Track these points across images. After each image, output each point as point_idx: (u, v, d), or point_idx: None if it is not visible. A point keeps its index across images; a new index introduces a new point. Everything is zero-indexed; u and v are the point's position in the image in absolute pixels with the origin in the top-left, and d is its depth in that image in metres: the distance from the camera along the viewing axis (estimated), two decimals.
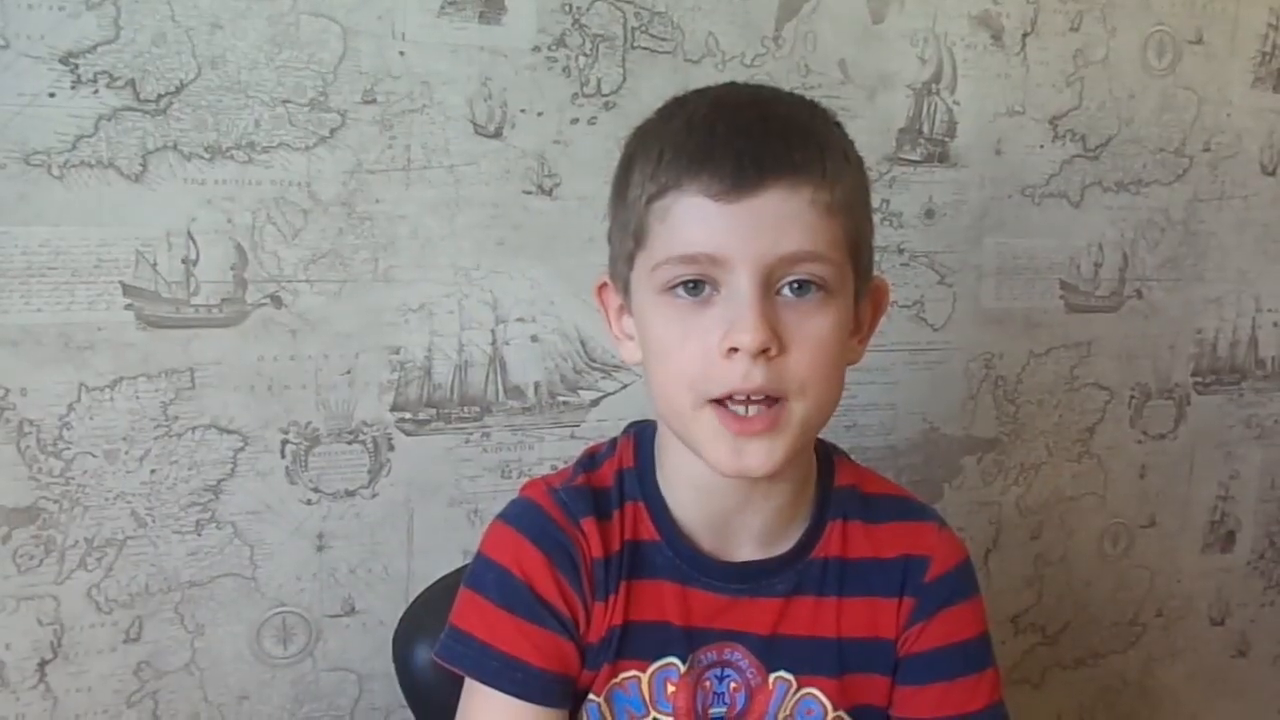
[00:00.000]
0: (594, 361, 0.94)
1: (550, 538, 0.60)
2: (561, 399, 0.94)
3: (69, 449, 0.82)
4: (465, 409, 0.91)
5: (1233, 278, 1.19)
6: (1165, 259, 1.16)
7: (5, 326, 0.79)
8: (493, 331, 0.91)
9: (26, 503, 0.81)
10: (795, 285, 0.55)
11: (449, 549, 0.90)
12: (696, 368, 0.55)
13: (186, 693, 0.87)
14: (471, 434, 0.92)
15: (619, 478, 0.63)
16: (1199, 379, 1.20)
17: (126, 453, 0.83)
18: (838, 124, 0.60)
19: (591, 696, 0.60)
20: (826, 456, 0.66)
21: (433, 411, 0.90)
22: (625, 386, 0.95)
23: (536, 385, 0.93)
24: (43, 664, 0.83)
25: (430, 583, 0.82)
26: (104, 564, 0.84)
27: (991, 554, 1.12)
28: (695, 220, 0.54)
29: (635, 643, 0.60)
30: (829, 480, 0.65)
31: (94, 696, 0.85)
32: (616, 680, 0.60)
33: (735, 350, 0.54)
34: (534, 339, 0.92)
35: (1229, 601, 1.27)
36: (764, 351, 0.53)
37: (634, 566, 0.61)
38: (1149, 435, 1.18)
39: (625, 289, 0.61)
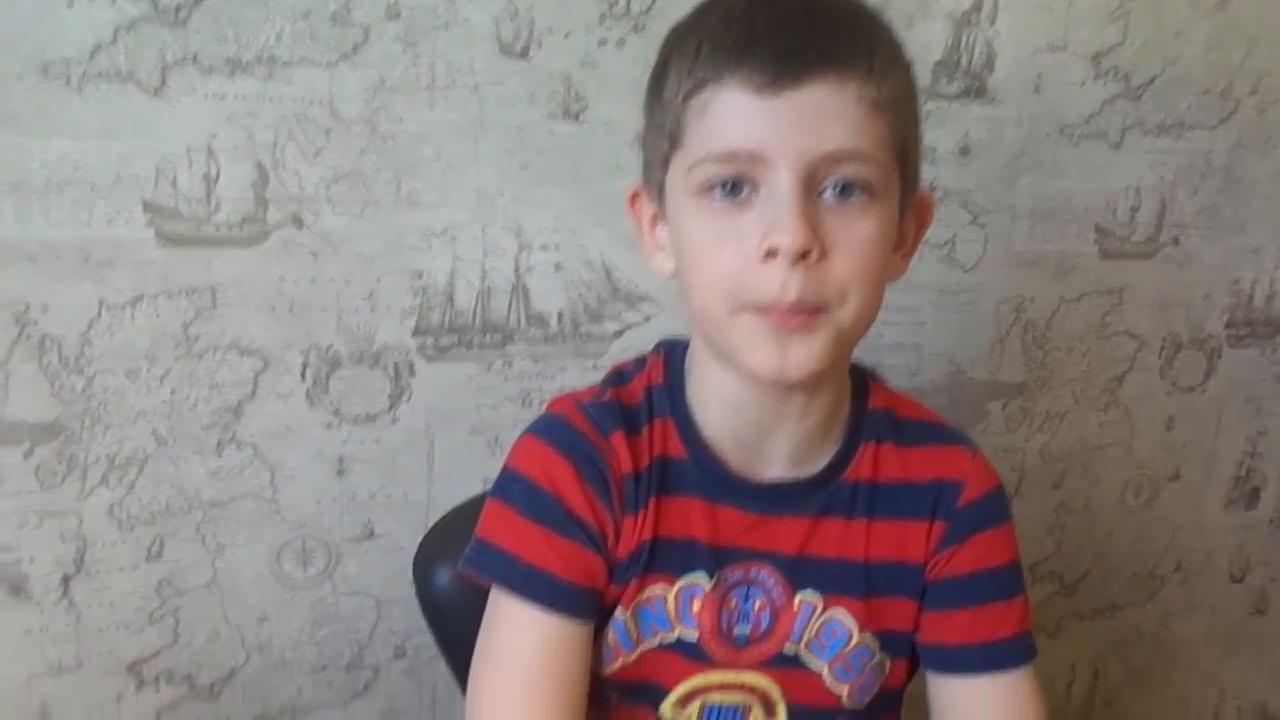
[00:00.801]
0: (618, 292, 0.93)
1: (580, 451, 0.59)
2: (584, 329, 0.93)
3: (90, 366, 0.81)
4: (487, 336, 0.90)
5: (1273, 228, 1.16)
6: (1204, 206, 1.12)
7: (25, 241, 0.78)
8: (516, 259, 0.90)
9: (49, 419, 0.81)
10: (839, 188, 0.53)
11: (469, 476, 0.90)
12: (733, 273, 0.53)
13: (207, 611, 0.88)
14: (493, 361, 0.91)
15: (648, 394, 0.62)
16: (1232, 331, 1.17)
17: (147, 371, 0.83)
18: (886, 23, 0.58)
19: (618, 611, 0.60)
20: (861, 379, 0.65)
21: (454, 337, 0.89)
22: (649, 319, 0.93)
23: (559, 314, 0.92)
24: (66, 579, 0.84)
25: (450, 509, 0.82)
26: (125, 482, 0.84)
27: (1013, 501, 1.11)
28: (734, 115, 0.52)
29: (663, 558, 0.60)
30: (863, 403, 0.64)
31: (116, 612, 0.85)
32: (643, 596, 0.60)
33: (774, 254, 0.52)
34: (557, 267, 0.91)
35: (1250, 558, 1.25)
36: (804, 256, 0.52)
37: (663, 483, 0.60)
38: (1178, 387, 1.16)
39: (659, 195, 0.59)
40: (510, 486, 0.60)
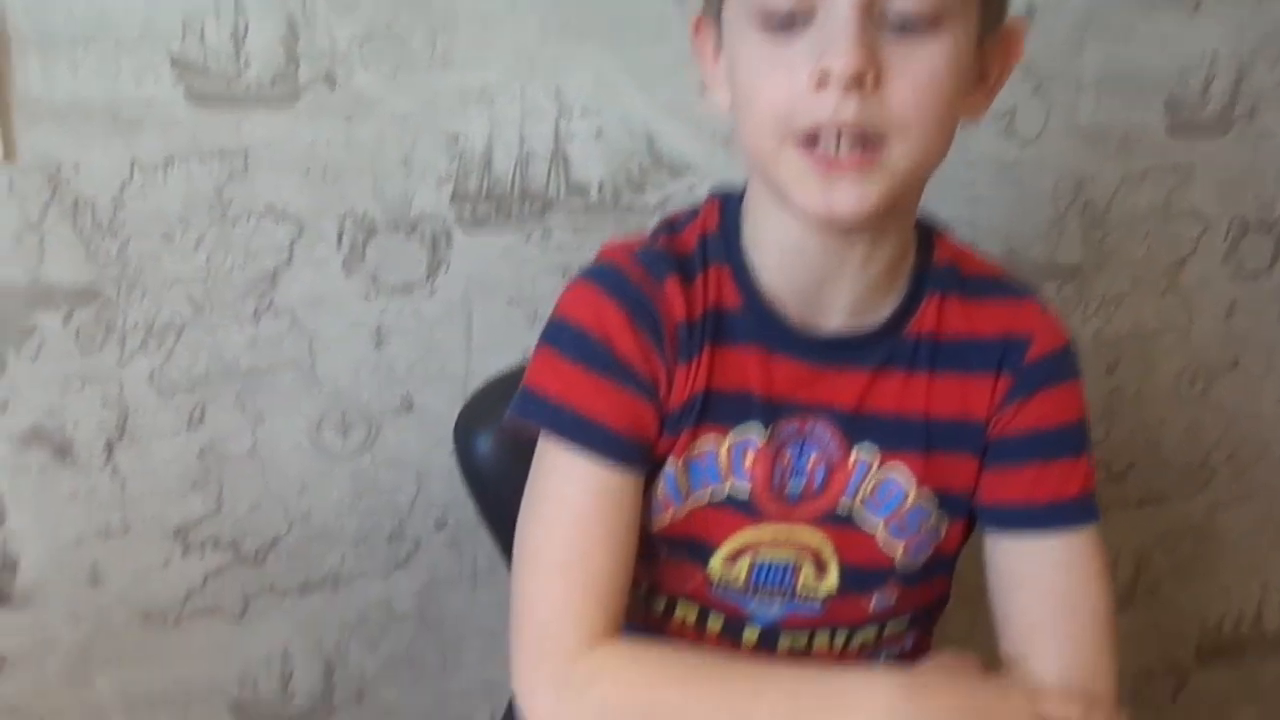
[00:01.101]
0: (661, 161, 0.89)
1: (632, 297, 0.57)
2: (625, 200, 0.89)
3: (124, 229, 0.80)
4: (526, 205, 0.87)
5: None
6: None
7: (53, 98, 0.76)
8: (556, 123, 0.86)
9: (85, 282, 0.80)
10: (902, 22, 0.49)
11: (508, 349, 0.88)
12: (783, 102, 0.50)
13: (248, 480, 0.88)
14: (532, 232, 0.88)
15: (702, 242, 0.59)
16: None
17: (181, 236, 0.81)
18: None
19: (668, 462, 0.58)
20: (927, 232, 0.62)
21: (492, 205, 0.86)
22: (693, 189, 0.90)
23: (600, 184, 0.88)
24: (109, 445, 0.84)
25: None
26: (164, 349, 0.83)
27: None
28: None
29: (716, 410, 0.58)
30: (928, 255, 0.61)
31: (159, 479, 0.86)
32: (694, 447, 0.58)
33: (826, 80, 0.48)
34: (598, 135, 0.87)
35: None
36: (859, 83, 0.48)
37: (717, 332, 0.58)
38: (1242, 272, 1.11)
39: (718, 23, 0.55)
40: (559, 333, 0.58)
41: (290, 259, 0.84)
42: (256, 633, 0.91)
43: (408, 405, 0.90)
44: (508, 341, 0.89)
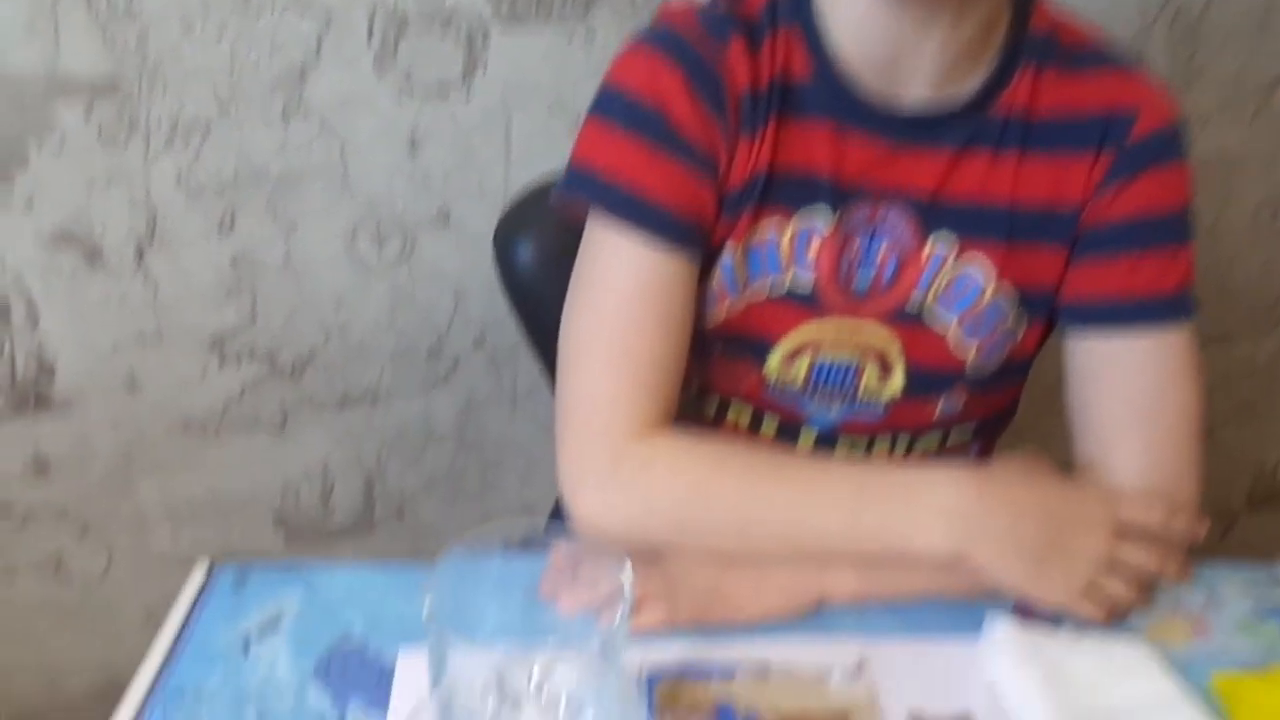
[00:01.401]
0: None
1: (691, 60, 0.51)
2: None
3: (141, 15, 0.75)
4: (569, 0, 0.80)
5: None
6: None
7: None
8: None
9: (104, 73, 0.76)
10: None
11: (549, 158, 0.83)
12: None
13: (283, 290, 0.85)
14: (574, 32, 0.82)
15: (771, 5, 0.53)
16: None
17: (203, 25, 0.76)
18: None
19: (726, 249, 0.54)
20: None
21: (533, 1, 0.80)
22: None
23: None
24: (140, 249, 0.81)
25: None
26: (190, 148, 0.79)
27: None
28: None
29: (780, 190, 0.53)
30: (1023, 23, 0.54)
31: (192, 286, 0.84)
32: (755, 233, 0.54)
33: None
34: None
35: None
36: None
37: (784, 103, 0.52)
38: None
39: None
40: (609, 101, 0.53)
41: (319, 54, 0.79)
42: (296, 445, 0.91)
43: (444, 217, 0.86)
44: (548, 152, 0.84)
